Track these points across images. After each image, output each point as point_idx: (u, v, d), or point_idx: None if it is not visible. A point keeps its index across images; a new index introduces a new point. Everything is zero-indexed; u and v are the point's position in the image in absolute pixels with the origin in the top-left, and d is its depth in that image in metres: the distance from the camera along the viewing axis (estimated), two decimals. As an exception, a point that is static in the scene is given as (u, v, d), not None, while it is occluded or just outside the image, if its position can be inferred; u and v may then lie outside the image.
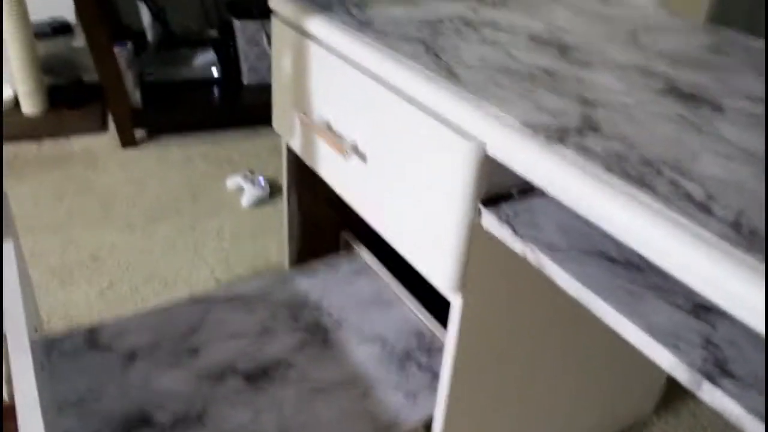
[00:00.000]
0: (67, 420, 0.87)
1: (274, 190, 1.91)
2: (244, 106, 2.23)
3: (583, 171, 0.54)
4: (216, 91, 2.28)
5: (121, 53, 2.03)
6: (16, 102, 2.33)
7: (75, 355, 0.97)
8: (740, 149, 0.60)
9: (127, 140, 2.10)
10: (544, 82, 0.71)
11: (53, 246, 1.64)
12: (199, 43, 2.45)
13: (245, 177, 1.87)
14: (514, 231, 0.64)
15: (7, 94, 2.36)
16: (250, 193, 1.82)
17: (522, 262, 0.77)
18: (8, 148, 2.09)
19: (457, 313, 0.75)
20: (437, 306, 1.04)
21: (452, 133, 0.66)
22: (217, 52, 2.38)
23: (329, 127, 0.86)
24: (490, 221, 0.67)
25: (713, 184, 0.53)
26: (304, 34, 0.90)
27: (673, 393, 1.29)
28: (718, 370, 0.48)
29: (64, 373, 0.94)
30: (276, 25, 0.97)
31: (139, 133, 2.18)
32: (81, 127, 2.23)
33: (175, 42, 2.44)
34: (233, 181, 1.89)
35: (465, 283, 0.72)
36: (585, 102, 0.67)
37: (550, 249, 0.62)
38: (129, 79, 2.07)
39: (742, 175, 0.55)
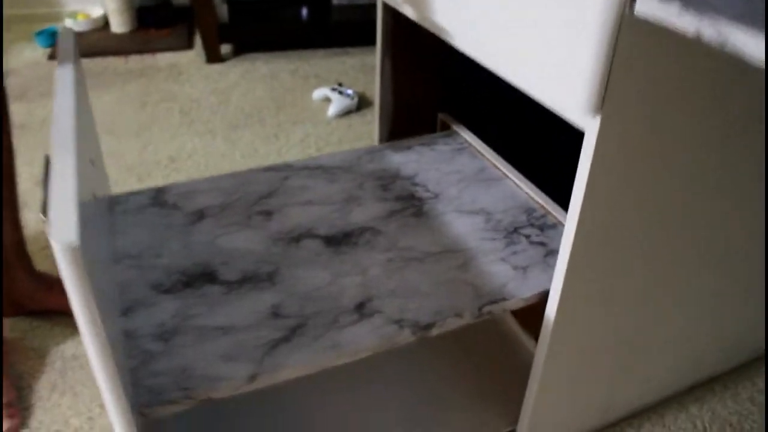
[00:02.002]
0: (126, 271, 0.77)
1: (362, 103, 1.79)
2: (332, 26, 2.11)
3: None
4: (304, 9, 2.17)
5: (212, -33, 1.96)
6: (105, 21, 2.30)
7: (139, 212, 0.87)
8: None
9: (213, 56, 2.02)
10: None
11: (133, 147, 1.57)
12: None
13: (333, 88, 1.75)
14: (683, 4, 0.48)
15: (98, 13, 2.34)
16: (337, 104, 1.70)
17: (672, 85, 0.60)
18: (96, 62, 2.05)
19: (591, 144, 0.60)
20: (548, 189, 0.89)
21: None
22: (308, -27, 2.28)
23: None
24: (647, 4, 0.51)
25: None
26: None
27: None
28: None
29: (125, 228, 0.85)
30: None
31: (225, 49, 2.10)
32: (167, 45, 2.17)
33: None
34: (320, 93, 1.78)
35: (604, 102, 0.57)
36: None
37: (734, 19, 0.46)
38: (218, -5, 1.99)
39: None
